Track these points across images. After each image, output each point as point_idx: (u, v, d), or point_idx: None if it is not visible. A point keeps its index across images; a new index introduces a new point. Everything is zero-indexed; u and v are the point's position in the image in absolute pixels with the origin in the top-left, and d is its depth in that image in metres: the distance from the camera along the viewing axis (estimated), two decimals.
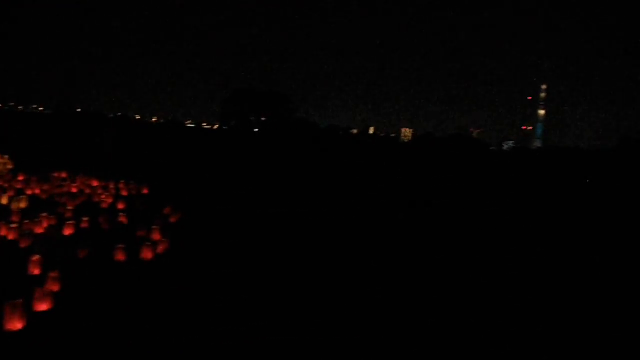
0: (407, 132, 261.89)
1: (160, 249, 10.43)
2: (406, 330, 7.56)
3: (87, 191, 16.59)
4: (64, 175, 19.26)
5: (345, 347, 6.84)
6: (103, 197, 15.63)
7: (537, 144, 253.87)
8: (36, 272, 8.55)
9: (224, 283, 9.01)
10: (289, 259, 10.94)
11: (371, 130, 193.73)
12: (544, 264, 12.36)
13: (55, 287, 7.84)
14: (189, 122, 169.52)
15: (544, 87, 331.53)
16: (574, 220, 20.85)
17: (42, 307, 7.20)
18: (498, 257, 12.69)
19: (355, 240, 13.30)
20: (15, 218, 11.91)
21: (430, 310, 8.46)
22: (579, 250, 14.64)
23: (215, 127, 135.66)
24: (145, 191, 18.00)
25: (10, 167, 20.77)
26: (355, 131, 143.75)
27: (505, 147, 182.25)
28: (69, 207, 13.17)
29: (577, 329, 8.21)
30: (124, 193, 17.16)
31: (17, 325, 6.57)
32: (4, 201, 14.06)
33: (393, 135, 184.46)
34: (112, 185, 17.83)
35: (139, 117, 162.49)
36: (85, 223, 11.80)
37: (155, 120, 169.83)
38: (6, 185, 16.08)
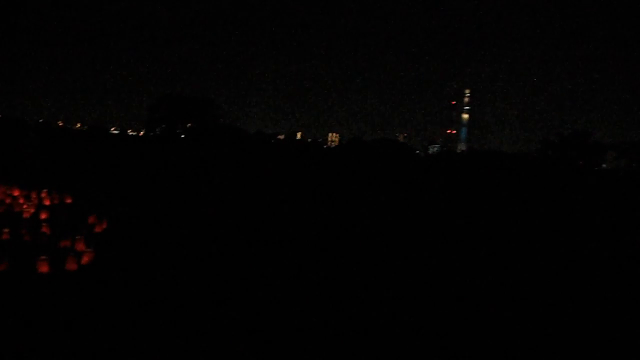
0: (334, 137, 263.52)
1: (85, 259, 10.21)
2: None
3: (8, 201, 16.04)
4: None
5: None
6: (25, 206, 15.15)
7: (462, 147, 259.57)
8: None
9: (150, 294, 8.88)
10: (217, 266, 10.87)
11: (298, 136, 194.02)
12: (465, 261, 12.70)
13: None
14: (114, 128, 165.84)
15: (467, 91, 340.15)
16: (496, 219, 21.49)
17: None
18: (419, 254, 12.97)
19: (277, 244, 13.33)
20: None
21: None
22: (499, 246, 15.13)
23: (141, 133, 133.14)
24: (68, 200, 17.54)
25: None
26: (282, 136, 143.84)
27: (430, 150, 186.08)
28: None
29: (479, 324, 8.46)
30: (47, 202, 16.68)
31: None
32: None
33: (320, 140, 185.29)
34: (34, 195, 17.29)
35: (61, 124, 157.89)
36: (5, 234, 11.43)
37: (79, 127, 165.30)
38: None
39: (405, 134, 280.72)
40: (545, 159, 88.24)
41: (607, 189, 52.09)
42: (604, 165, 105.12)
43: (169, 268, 10.42)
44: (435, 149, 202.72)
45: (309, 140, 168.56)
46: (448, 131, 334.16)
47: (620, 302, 10.47)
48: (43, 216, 14.25)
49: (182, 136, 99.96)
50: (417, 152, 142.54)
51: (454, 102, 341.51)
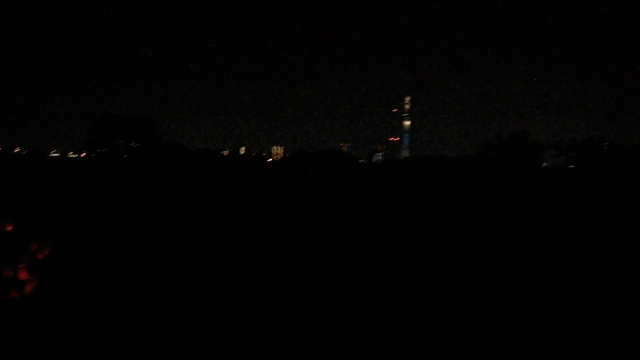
0: (278, 150, 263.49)
1: (28, 288, 9.90)
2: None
3: None
4: None
5: None
6: None
7: (405, 153, 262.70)
8: None
9: (96, 322, 8.67)
10: (167, 290, 10.70)
11: (242, 151, 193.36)
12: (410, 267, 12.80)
13: None
14: (54, 151, 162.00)
15: (407, 98, 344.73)
16: (438, 221, 21.79)
17: None
18: (366, 262, 13.01)
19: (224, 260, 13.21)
20: None
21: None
22: (441, 247, 15.31)
23: (83, 155, 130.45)
24: (9, 228, 16.99)
25: None
26: (226, 152, 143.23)
27: (374, 158, 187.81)
28: None
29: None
30: None
31: None
32: None
33: (264, 154, 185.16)
34: None
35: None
36: None
37: (17, 151, 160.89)
38: None
39: (349, 144, 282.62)
40: (486, 160, 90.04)
41: (547, 186, 53.35)
42: (544, 164, 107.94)
43: (113, 295, 10.20)
44: (379, 156, 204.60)
45: (254, 154, 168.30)
46: (391, 139, 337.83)
47: (555, 299, 10.71)
48: None
49: (125, 156, 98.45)
50: (361, 160, 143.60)
51: (395, 110, 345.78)
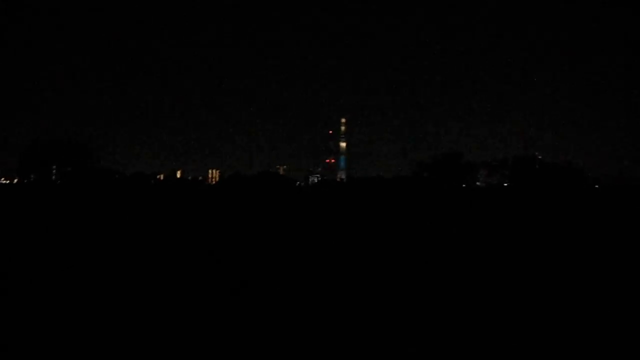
0: (214, 174, 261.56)
1: None
2: None
3: None
4: None
5: None
6: None
7: (342, 175, 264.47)
8: None
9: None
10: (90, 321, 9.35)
11: (178, 174, 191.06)
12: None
13: None
14: None
15: (343, 120, 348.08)
16: (372, 241, 21.18)
17: None
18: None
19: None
20: None
21: None
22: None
23: (15, 181, 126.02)
24: None
25: None
26: (161, 176, 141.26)
27: (311, 180, 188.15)
28: None
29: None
30: None
31: None
32: None
33: (200, 177, 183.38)
34: None
35: None
36: None
37: None
38: None
39: (286, 166, 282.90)
40: (420, 180, 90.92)
41: (479, 204, 53.89)
42: (478, 183, 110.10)
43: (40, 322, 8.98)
44: (316, 178, 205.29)
45: (189, 177, 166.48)
46: (327, 160, 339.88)
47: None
48: None
49: (59, 182, 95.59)
50: (298, 183, 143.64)
51: (330, 132, 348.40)
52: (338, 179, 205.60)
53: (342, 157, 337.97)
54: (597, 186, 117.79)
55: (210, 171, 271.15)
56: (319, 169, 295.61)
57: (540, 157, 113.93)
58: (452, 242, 20.92)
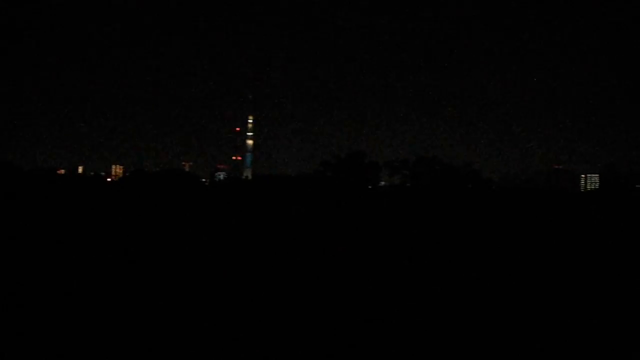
0: (117, 170, 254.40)
1: None
2: None
3: None
4: None
5: None
6: None
7: (248, 172, 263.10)
8: None
9: None
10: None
11: (80, 170, 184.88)
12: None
13: None
14: None
15: (250, 118, 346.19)
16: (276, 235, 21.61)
17: None
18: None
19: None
20: None
21: None
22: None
23: None
24: None
25: None
26: (62, 171, 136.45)
27: (217, 178, 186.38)
28: None
29: None
30: None
31: None
32: None
33: (102, 173, 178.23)
34: None
35: None
36: None
37: None
38: None
39: (191, 163, 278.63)
40: (325, 179, 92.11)
41: (382, 202, 55.38)
42: (382, 183, 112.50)
43: None
44: (222, 176, 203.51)
45: (92, 173, 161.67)
46: (234, 158, 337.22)
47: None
48: None
49: None
50: (203, 180, 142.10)
51: (238, 129, 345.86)
52: (244, 177, 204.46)
53: (249, 155, 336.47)
54: (493, 187, 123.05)
55: (113, 167, 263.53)
56: (226, 166, 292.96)
57: (441, 158, 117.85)
58: (347, 238, 21.58)
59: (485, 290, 11.86)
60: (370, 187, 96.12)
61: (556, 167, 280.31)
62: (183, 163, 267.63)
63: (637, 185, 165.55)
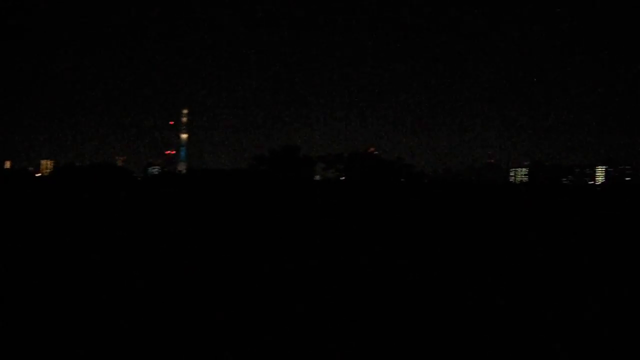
0: (47, 164, 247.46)
1: None
2: None
3: None
4: None
5: None
6: None
7: (182, 167, 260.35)
8: None
9: None
10: None
11: (7, 165, 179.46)
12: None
13: None
14: None
15: (185, 111, 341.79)
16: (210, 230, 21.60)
17: None
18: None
19: None
20: None
21: None
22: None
23: None
24: None
25: None
26: None
27: (150, 172, 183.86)
28: None
29: None
30: None
31: None
32: None
33: (31, 168, 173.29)
34: None
35: None
36: None
37: None
38: None
39: (125, 158, 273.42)
40: (258, 173, 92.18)
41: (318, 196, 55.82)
42: (317, 177, 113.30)
43: None
44: (155, 170, 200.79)
45: (20, 168, 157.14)
46: (167, 152, 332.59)
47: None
48: None
49: None
50: (135, 174, 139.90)
51: (171, 123, 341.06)
52: (178, 171, 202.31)
53: (183, 149, 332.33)
54: (425, 181, 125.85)
55: (43, 162, 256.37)
56: (159, 161, 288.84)
57: (376, 152, 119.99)
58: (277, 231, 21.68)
59: (411, 280, 12.24)
60: (304, 181, 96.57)
61: (487, 162, 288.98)
62: (116, 158, 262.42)
63: (562, 179, 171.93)
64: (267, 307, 9.93)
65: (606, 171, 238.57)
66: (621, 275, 13.84)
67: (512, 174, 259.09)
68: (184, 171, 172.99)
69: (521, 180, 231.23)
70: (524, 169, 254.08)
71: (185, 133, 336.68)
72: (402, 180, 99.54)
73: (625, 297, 11.24)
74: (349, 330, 8.62)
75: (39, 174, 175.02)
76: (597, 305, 10.48)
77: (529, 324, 9.07)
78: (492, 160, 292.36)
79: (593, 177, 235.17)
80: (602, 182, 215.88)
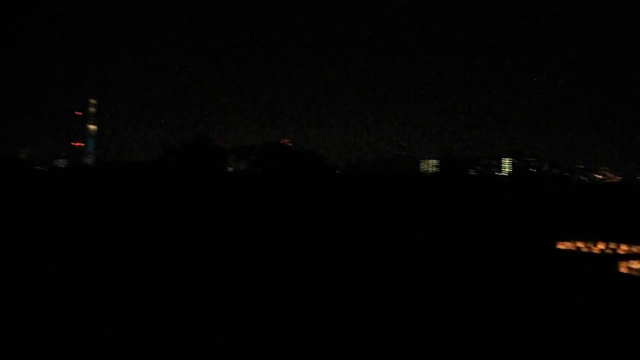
0: None
1: None
2: None
3: None
4: None
5: None
6: None
7: (90, 159, 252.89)
8: None
9: None
10: None
11: None
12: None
13: None
14: None
15: (93, 101, 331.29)
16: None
17: None
18: None
19: None
20: None
21: None
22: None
23: None
24: None
25: None
26: None
27: (56, 165, 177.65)
28: None
29: None
30: None
31: None
32: None
33: None
34: None
35: None
36: None
37: None
38: None
39: (28, 151, 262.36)
40: (169, 165, 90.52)
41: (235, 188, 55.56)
42: (230, 168, 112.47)
43: None
44: (61, 163, 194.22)
45: None
46: (74, 144, 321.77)
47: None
48: None
49: None
50: (38, 167, 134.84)
51: (79, 113, 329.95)
52: (86, 164, 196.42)
53: (91, 141, 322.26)
54: (338, 172, 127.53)
55: None
56: (66, 153, 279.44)
57: (289, 144, 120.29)
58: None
59: (319, 270, 12.52)
60: (216, 172, 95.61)
61: (399, 153, 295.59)
62: (20, 151, 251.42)
63: (470, 170, 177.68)
64: (172, 300, 9.90)
65: (512, 163, 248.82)
66: (521, 259, 14.62)
67: (422, 165, 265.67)
68: (93, 164, 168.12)
69: (432, 171, 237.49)
70: (434, 160, 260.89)
71: (93, 124, 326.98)
72: (315, 171, 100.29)
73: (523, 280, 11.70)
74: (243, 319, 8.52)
75: None
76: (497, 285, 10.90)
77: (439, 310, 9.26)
78: (404, 152, 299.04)
79: (499, 168, 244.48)
80: (509, 173, 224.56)
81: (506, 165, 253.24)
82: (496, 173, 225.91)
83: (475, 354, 7.57)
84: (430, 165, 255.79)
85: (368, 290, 10.07)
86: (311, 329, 8.06)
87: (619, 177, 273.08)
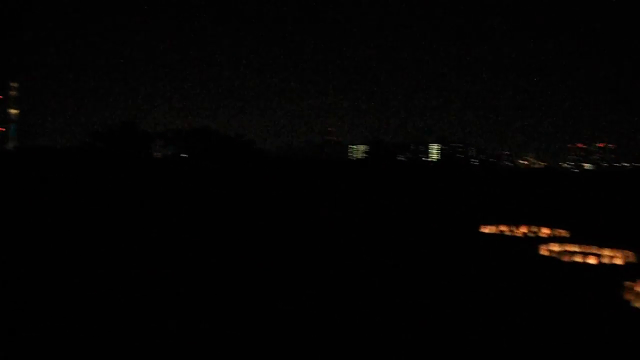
0: None
1: None
2: None
3: None
4: None
5: None
6: None
7: (11, 145, 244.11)
8: None
9: None
10: None
11: None
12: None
13: None
14: None
15: (14, 84, 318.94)
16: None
17: None
18: None
19: None
20: None
21: None
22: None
23: None
24: None
25: None
26: None
27: None
28: None
29: None
30: None
31: None
32: None
33: None
34: None
35: None
36: None
37: None
38: None
39: None
40: (95, 150, 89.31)
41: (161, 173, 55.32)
42: (157, 154, 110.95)
43: None
44: None
45: None
46: None
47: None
48: None
49: None
50: None
51: (0, 97, 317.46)
52: (10, 148, 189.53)
53: (13, 126, 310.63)
54: (265, 156, 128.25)
55: None
56: None
57: (215, 129, 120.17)
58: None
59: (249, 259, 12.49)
60: (143, 158, 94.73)
61: (328, 138, 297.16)
62: None
63: (398, 156, 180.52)
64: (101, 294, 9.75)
65: (440, 149, 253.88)
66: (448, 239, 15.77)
67: (351, 151, 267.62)
68: (14, 149, 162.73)
69: (361, 157, 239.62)
70: (363, 146, 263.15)
71: (16, 108, 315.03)
72: (242, 156, 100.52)
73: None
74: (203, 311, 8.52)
75: None
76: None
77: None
78: (333, 138, 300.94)
79: (427, 154, 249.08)
80: (437, 159, 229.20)
81: (434, 151, 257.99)
82: (424, 159, 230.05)
83: (395, 340, 7.40)
84: (359, 150, 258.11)
85: (281, 275, 10.68)
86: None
87: (542, 163, 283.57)
